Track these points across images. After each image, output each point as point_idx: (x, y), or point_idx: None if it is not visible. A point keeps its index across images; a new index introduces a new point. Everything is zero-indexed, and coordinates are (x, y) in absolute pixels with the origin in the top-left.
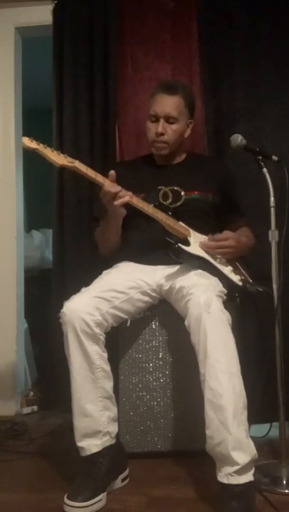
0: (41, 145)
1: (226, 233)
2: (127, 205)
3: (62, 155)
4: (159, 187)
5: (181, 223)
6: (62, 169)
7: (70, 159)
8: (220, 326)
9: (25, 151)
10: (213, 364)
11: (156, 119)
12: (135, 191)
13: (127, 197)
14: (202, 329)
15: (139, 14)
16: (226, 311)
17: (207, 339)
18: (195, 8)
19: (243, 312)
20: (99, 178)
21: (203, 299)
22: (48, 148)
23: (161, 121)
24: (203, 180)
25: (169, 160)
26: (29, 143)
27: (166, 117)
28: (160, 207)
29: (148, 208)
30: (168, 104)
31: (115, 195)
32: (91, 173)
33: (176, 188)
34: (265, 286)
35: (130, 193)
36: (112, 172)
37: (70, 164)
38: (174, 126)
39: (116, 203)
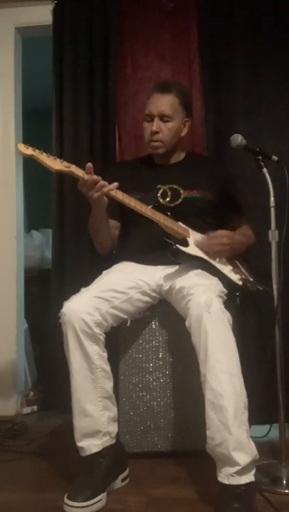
0: (37, 151)
1: (219, 231)
2: (127, 207)
3: (58, 160)
4: (158, 186)
5: (180, 224)
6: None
7: (66, 164)
8: (220, 326)
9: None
10: (214, 364)
11: (151, 119)
12: (135, 191)
13: (111, 186)
14: (203, 329)
15: (139, 14)
16: (226, 311)
17: (208, 339)
18: (195, 8)
19: (243, 312)
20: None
21: (204, 299)
22: (44, 154)
23: (156, 119)
24: (203, 179)
25: (167, 159)
26: (25, 150)
27: (161, 116)
28: (159, 207)
29: (146, 210)
30: (161, 102)
31: (95, 184)
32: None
33: (175, 187)
34: (265, 286)
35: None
36: (89, 164)
37: (66, 169)
38: (169, 125)
39: (105, 189)
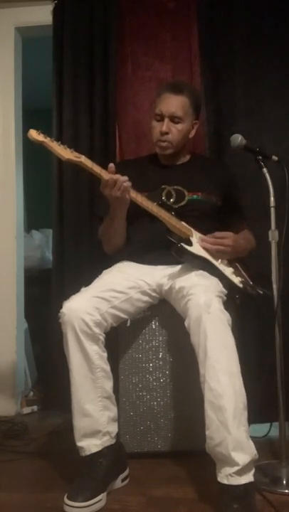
0: (48, 138)
1: (225, 232)
2: (130, 203)
3: (68, 149)
4: (163, 186)
5: (183, 223)
6: (62, 169)
7: (76, 154)
8: (220, 327)
9: (31, 145)
10: (213, 364)
11: (161, 118)
12: (139, 189)
13: (127, 181)
14: (202, 330)
15: (139, 14)
16: (225, 312)
17: (207, 339)
18: (195, 8)
19: (243, 312)
20: (104, 174)
21: (203, 299)
22: (55, 142)
23: (166, 120)
24: (207, 182)
25: (173, 160)
26: (36, 135)
27: (171, 117)
28: (163, 206)
29: (152, 207)
30: (173, 103)
31: (115, 182)
32: (96, 168)
33: (179, 188)
34: (265, 289)
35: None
36: (112, 165)
37: (76, 159)
38: (179, 126)
39: (125, 184)
